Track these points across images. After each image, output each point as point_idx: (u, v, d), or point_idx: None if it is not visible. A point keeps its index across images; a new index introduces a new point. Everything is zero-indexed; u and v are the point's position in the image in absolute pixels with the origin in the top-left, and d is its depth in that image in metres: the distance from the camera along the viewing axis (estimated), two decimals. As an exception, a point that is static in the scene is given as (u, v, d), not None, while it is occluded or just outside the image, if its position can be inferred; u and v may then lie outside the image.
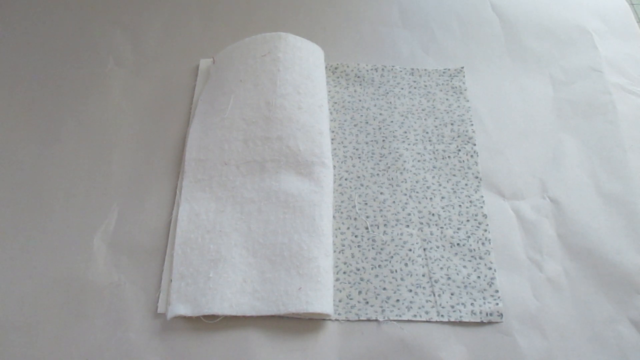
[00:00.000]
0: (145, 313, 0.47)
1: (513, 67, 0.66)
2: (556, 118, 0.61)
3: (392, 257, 0.51)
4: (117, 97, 0.62)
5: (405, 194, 0.55)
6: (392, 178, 0.56)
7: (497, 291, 0.49)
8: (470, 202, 0.54)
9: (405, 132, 0.59)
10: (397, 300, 0.48)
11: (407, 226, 0.53)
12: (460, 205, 0.54)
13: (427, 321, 0.47)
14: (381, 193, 0.55)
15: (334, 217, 0.53)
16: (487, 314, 0.47)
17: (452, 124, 0.60)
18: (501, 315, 0.47)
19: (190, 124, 0.58)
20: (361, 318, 0.47)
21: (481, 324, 0.47)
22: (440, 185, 0.55)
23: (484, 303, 0.48)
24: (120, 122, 0.60)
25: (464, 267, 0.50)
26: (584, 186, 0.56)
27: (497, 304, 0.48)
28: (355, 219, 0.53)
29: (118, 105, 0.61)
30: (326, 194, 0.53)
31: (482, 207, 0.54)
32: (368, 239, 0.52)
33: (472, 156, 0.57)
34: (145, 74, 0.64)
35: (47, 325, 0.47)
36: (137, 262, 0.50)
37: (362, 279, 0.49)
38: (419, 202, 0.54)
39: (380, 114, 0.61)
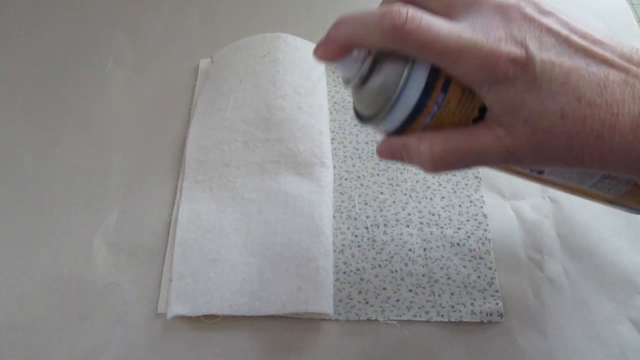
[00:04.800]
0: (145, 313, 0.47)
1: (513, 67, 0.66)
2: (556, 118, 0.61)
3: (392, 257, 0.51)
4: (117, 97, 0.62)
5: (406, 194, 0.55)
6: (392, 178, 0.56)
7: (497, 291, 0.49)
8: (470, 202, 0.54)
9: (405, 132, 0.59)
10: (397, 300, 0.48)
11: (407, 226, 0.53)
12: (460, 205, 0.54)
13: (427, 321, 0.47)
14: (381, 193, 0.55)
15: (334, 217, 0.53)
16: (487, 314, 0.47)
17: (452, 124, 0.60)
18: (501, 315, 0.47)
19: (190, 125, 0.58)
20: (361, 318, 0.47)
21: (481, 324, 0.47)
22: (440, 185, 0.55)
23: (484, 303, 0.48)
24: (120, 122, 0.60)
25: (464, 267, 0.50)
26: (584, 186, 0.56)
27: (497, 304, 0.48)
28: (355, 219, 0.53)
29: (118, 105, 0.61)
30: (326, 194, 0.53)
31: (482, 207, 0.54)
32: (368, 239, 0.52)
33: (472, 156, 0.57)
34: (145, 74, 0.64)
35: (47, 325, 0.47)
36: (137, 262, 0.50)
37: (362, 279, 0.49)
38: (419, 202, 0.54)
39: (380, 114, 0.61)
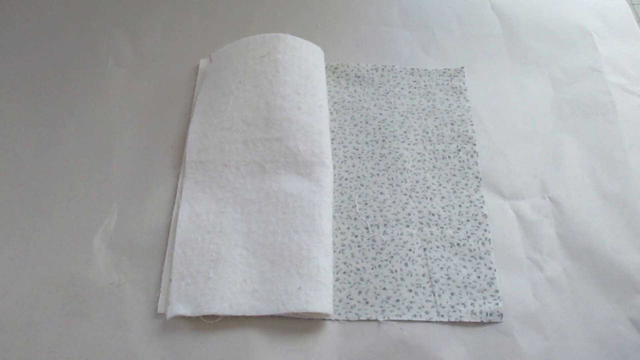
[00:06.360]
0: (145, 313, 0.47)
1: (513, 67, 0.66)
2: (556, 118, 0.61)
3: (392, 257, 0.51)
4: (117, 97, 0.62)
5: (405, 194, 0.55)
6: (392, 178, 0.56)
7: (497, 291, 0.49)
8: (470, 202, 0.54)
9: (405, 132, 0.59)
10: (397, 300, 0.48)
11: (407, 226, 0.53)
12: (460, 205, 0.54)
13: (427, 321, 0.47)
14: (381, 193, 0.55)
15: (334, 217, 0.53)
16: (487, 314, 0.47)
17: (452, 124, 0.60)
18: (501, 315, 0.47)
19: (189, 125, 0.58)
20: (361, 318, 0.47)
21: (481, 324, 0.47)
22: (440, 185, 0.55)
23: (484, 303, 0.48)
24: (120, 122, 0.60)
25: (464, 267, 0.50)
26: (584, 186, 0.56)
27: (497, 304, 0.48)
28: (355, 219, 0.53)
29: (118, 105, 0.61)
30: (326, 194, 0.53)
31: (482, 207, 0.54)
32: (368, 239, 0.52)
33: (472, 156, 0.57)
34: (145, 74, 0.64)
35: (47, 325, 0.47)
36: (137, 262, 0.50)
37: (362, 279, 0.49)
38: (419, 202, 0.54)
39: (380, 114, 0.61)
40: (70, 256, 0.50)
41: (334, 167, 0.57)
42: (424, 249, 0.51)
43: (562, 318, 0.48)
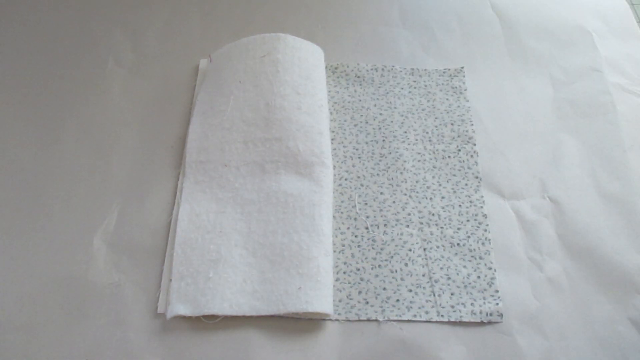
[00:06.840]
0: (145, 313, 0.48)
1: (513, 67, 0.66)
2: (556, 118, 0.61)
3: (392, 257, 0.51)
4: (117, 97, 0.62)
5: (405, 194, 0.55)
6: (392, 178, 0.56)
7: (497, 291, 0.49)
8: (470, 202, 0.54)
9: (405, 132, 0.59)
10: (397, 300, 0.48)
11: (407, 226, 0.53)
12: (460, 205, 0.54)
13: (427, 321, 0.47)
14: (381, 193, 0.55)
15: (334, 217, 0.53)
16: (487, 314, 0.47)
17: (452, 124, 0.60)
18: (501, 315, 0.47)
19: (189, 125, 0.58)
20: (361, 318, 0.47)
21: (481, 324, 0.47)
22: (440, 185, 0.55)
23: (484, 303, 0.48)
24: (120, 122, 0.60)
25: (464, 267, 0.50)
26: (584, 186, 0.56)
27: (497, 304, 0.48)
28: (355, 219, 0.53)
29: (118, 105, 0.61)
30: (326, 194, 0.53)
31: (482, 207, 0.54)
32: (368, 239, 0.52)
33: (472, 156, 0.57)
34: (145, 74, 0.64)
35: (47, 325, 0.47)
36: (137, 262, 0.50)
37: (362, 279, 0.49)
38: (419, 202, 0.54)
39: (380, 114, 0.61)
40: (70, 256, 0.50)
41: (334, 167, 0.57)
42: (424, 249, 0.51)
43: (562, 318, 0.48)
